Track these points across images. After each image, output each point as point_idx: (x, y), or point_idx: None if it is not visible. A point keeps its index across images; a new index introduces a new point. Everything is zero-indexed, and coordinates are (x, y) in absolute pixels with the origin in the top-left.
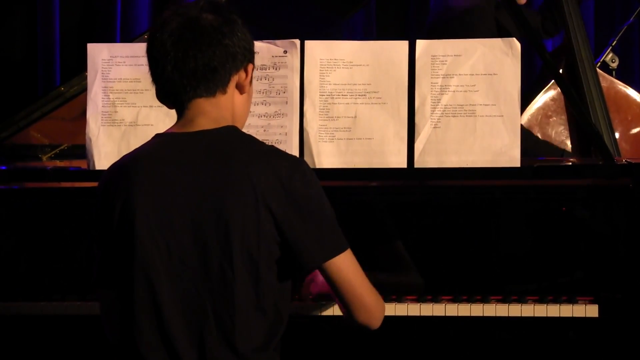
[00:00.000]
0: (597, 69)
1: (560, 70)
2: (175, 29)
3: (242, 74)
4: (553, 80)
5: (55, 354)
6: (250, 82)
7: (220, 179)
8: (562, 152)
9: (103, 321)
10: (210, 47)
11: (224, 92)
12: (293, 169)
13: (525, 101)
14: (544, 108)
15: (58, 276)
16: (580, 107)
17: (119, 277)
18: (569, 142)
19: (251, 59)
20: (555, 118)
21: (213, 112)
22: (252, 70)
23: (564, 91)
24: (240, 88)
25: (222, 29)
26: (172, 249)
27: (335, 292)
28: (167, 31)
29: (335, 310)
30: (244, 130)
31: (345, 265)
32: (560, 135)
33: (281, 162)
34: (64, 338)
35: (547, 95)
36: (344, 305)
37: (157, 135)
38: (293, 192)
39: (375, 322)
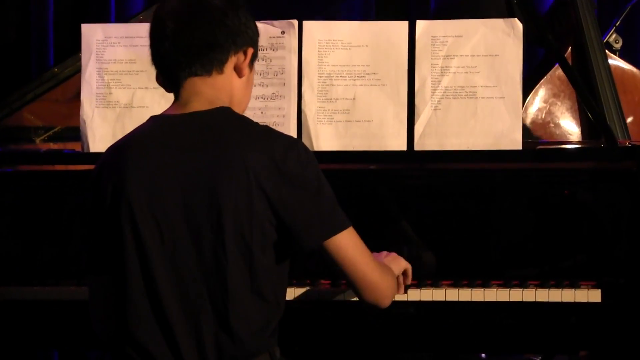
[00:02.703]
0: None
1: (569, 50)
2: (177, 6)
3: (240, 55)
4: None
5: (50, 339)
6: (251, 68)
7: (213, 161)
8: (568, 134)
9: (91, 311)
10: (211, 25)
11: (221, 71)
12: (287, 149)
13: (529, 83)
14: (552, 88)
15: (52, 261)
16: (583, 90)
17: (112, 263)
18: (578, 124)
19: (252, 45)
20: (563, 98)
21: (208, 92)
22: (253, 55)
23: (567, 73)
24: (238, 70)
25: (225, 10)
26: (165, 233)
27: (338, 272)
28: (169, 9)
29: (331, 296)
30: None
31: (347, 244)
32: (569, 116)
33: (275, 142)
34: (58, 324)
35: (555, 74)
36: (350, 285)
37: (152, 118)
38: (288, 172)
39: (383, 301)
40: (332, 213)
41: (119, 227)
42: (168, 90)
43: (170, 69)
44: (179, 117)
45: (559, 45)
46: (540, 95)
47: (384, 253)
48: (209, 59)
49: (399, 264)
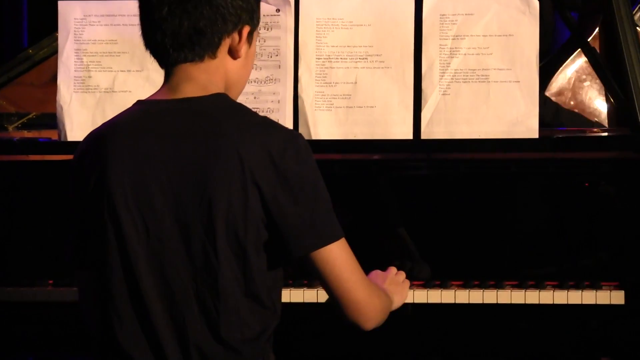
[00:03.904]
0: None
1: (596, 31)
2: None
3: (235, 36)
4: (589, 40)
5: (26, 344)
6: (250, 44)
7: (205, 152)
8: (591, 122)
9: (81, 306)
10: (197, 8)
11: (214, 56)
12: (287, 143)
13: (549, 65)
14: (578, 71)
15: (27, 259)
16: (606, 74)
17: (95, 258)
18: (601, 110)
19: (248, 22)
20: (586, 82)
21: (201, 77)
22: (250, 33)
23: (589, 56)
24: (233, 53)
25: None
26: (151, 229)
27: (322, 284)
28: None
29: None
30: None
31: (335, 257)
32: (592, 101)
33: (274, 135)
34: (34, 327)
35: (579, 56)
36: (333, 301)
37: (139, 102)
38: (284, 169)
39: (367, 322)
40: (325, 221)
41: (101, 221)
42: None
43: (161, 56)
44: (168, 102)
45: (585, 24)
46: (559, 79)
47: (391, 273)
48: (200, 46)
49: (402, 293)
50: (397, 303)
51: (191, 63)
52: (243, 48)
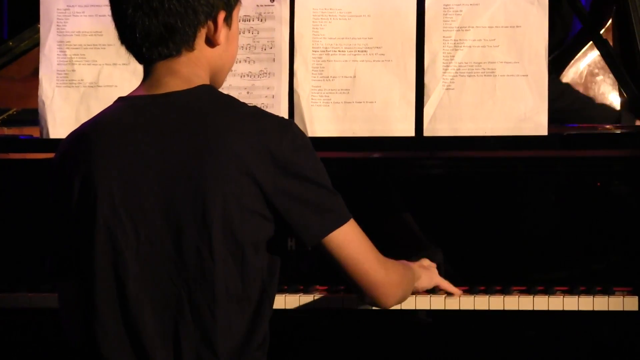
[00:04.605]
0: None
1: (609, 22)
2: None
3: (210, 26)
4: (602, 31)
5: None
6: (230, 24)
7: (195, 147)
8: (603, 117)
9: (62, 319)
10: (164, 3)
11: (191, 48)
12: (281, 132)
13: (560, 59)
14: (590, 64)
15: (4, 264)
16: (618, 67)
17: (79, 266)
18: (615, 106)
19: (223, 7)
20: (598, 76)
21: (183, 70)
22: (227, 17)
23: (600, 49)
24: (210, 42)
25: None
26: (141, 231)
27: (338, 270)
28: None
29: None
30: (224, 92)
31: (349, 239)
32: (605, 97)
33: (267, 125)
34: (11, 334)
35: (591, 49)
36: (351, 284)
37: (120, 99)
38: (282, 158)
39: (388, 300)
40: (331, 204)
41: (88, 226)
42: None
43: (136, 54)
44: (152, 97)
45: (597, 15)
46: (570, 73)
47: (424, 262)
48: (174, 42)
49: (432, 277)
50: (423, 282)
51: (169, 59)
52: (222, 34)
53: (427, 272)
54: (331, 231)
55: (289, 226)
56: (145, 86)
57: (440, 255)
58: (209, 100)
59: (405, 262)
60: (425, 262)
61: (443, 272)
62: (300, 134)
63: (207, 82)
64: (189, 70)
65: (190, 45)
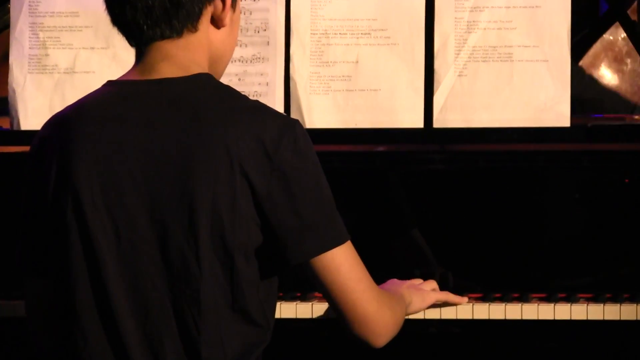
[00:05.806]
0: None
1: (637, 1)
2: None
3: (217, 3)
4: (628, 11)
5: None
6: (235, 8)
7: (186, 142)
8: (632, 107)
9: (30, 321)
10: None
11: (194, 29)
12: (282, 131)
13: (582, 43)
14: (616, 49)
15: None
16: None
17: (54, 264)
18: None
19: None
20: (629, 62)
21: (180, 55)
22: None
23: (628, 31)
24: (216, 22)
25: None
26: (122, 231)
27: (324, 295)
28: None
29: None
30: None
31: (340, 263)
32: (633, 85)
33: (267, 122)
34: None
35: (617, 32)
36: (337, 314)
37: (109, 83)
38: (280, 161)
39: (377, 339)
40: (328, 221)
41: (62, 221)
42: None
43: (132, 34)
44: (144, 83)
45: None
46: (595, 58)
47: (413, 281)
48: (178, 20)
49: (424, 297)
50: (415, 306)
51: (169, 40)
52: (227, 16)
53: (418, 293)
54: (322, 252)
55: (275, 237)
56: (138, 70)
57: (451, 258)
58: (205, 90)
59: (395, 287)
60: (417, 281)
61: (451, 283)
62: (304, 137)
63: (206, 70)
64: (186, 55)
65: (194, 25)
